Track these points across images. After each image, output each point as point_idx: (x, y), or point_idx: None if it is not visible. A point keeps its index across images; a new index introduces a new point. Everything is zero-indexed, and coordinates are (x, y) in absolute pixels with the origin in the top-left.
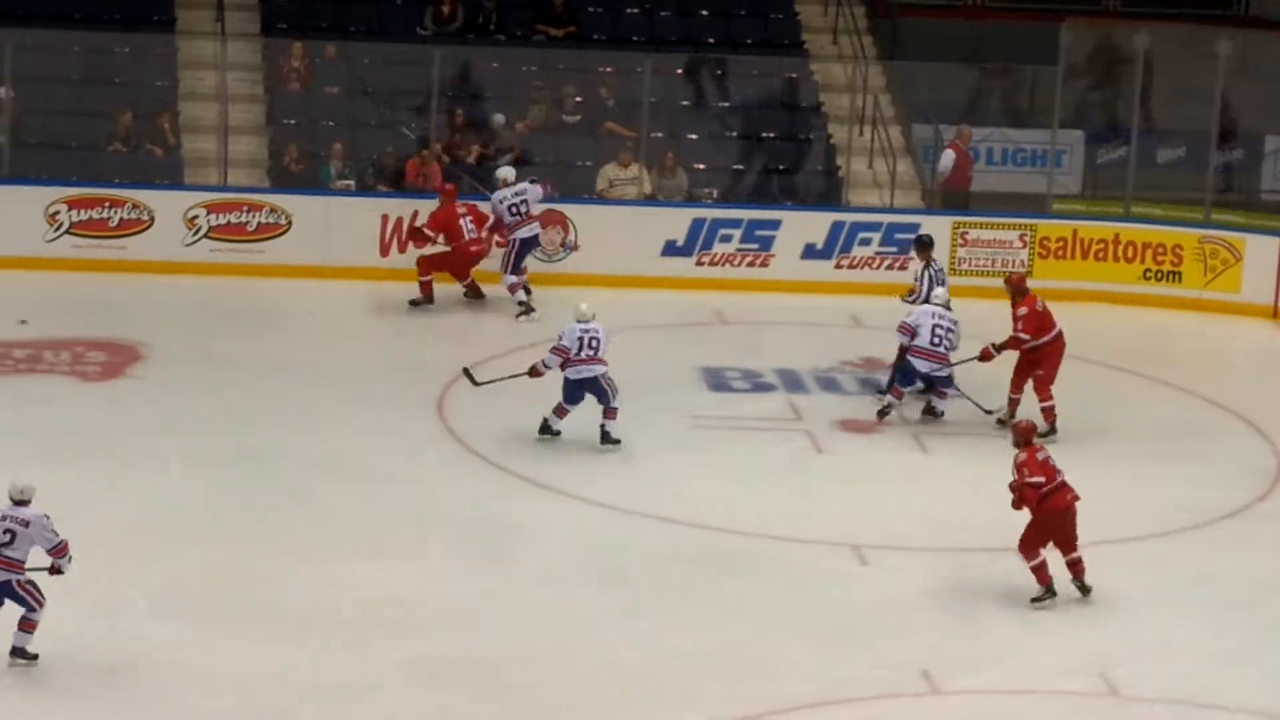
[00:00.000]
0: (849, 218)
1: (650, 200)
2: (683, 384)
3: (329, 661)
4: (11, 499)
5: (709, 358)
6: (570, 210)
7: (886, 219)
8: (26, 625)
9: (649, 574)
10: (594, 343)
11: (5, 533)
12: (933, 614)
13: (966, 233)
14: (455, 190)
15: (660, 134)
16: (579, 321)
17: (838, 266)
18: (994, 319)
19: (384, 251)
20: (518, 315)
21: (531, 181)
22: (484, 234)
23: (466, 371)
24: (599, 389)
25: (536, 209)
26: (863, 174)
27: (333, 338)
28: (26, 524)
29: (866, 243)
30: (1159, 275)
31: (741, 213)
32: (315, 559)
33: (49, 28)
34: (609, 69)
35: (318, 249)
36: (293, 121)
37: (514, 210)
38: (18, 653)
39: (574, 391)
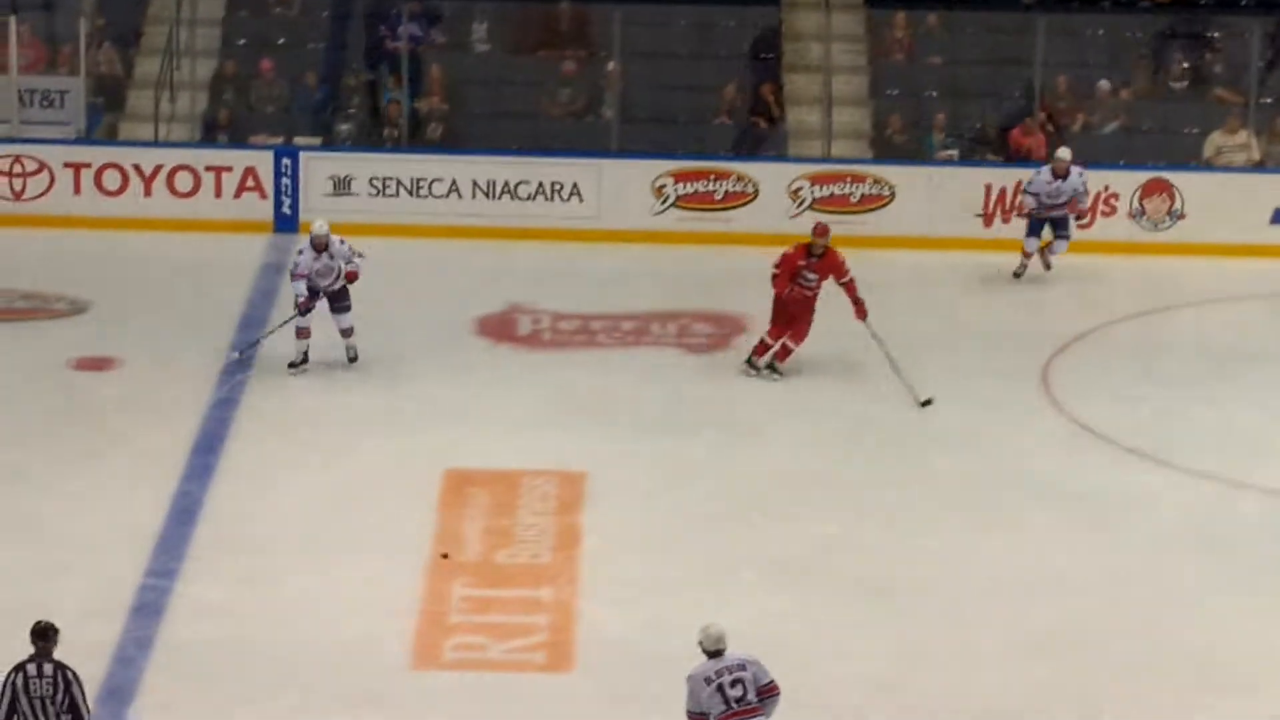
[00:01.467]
0: None
1: (1259, 167)
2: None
3: (938, 632)
4: (708, 652)
5: None
6: (1176, 178)
7: None
8: None
9: (1258, 549)
10: (737, 684)
11: (734, 684)
12: None
13: None
14: None
15: (1270, 100)
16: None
17: None
18: None
19: (987, 222)
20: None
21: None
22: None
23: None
24: None
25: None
26: None
27: (934, 309)
28: (744, 667)
29: None
30: None
31: None
32: (922, 531)
33: (657, 1)
34: (1216, 33)
35: (922, 220)
36: (896, 92)
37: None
38: None
39: None
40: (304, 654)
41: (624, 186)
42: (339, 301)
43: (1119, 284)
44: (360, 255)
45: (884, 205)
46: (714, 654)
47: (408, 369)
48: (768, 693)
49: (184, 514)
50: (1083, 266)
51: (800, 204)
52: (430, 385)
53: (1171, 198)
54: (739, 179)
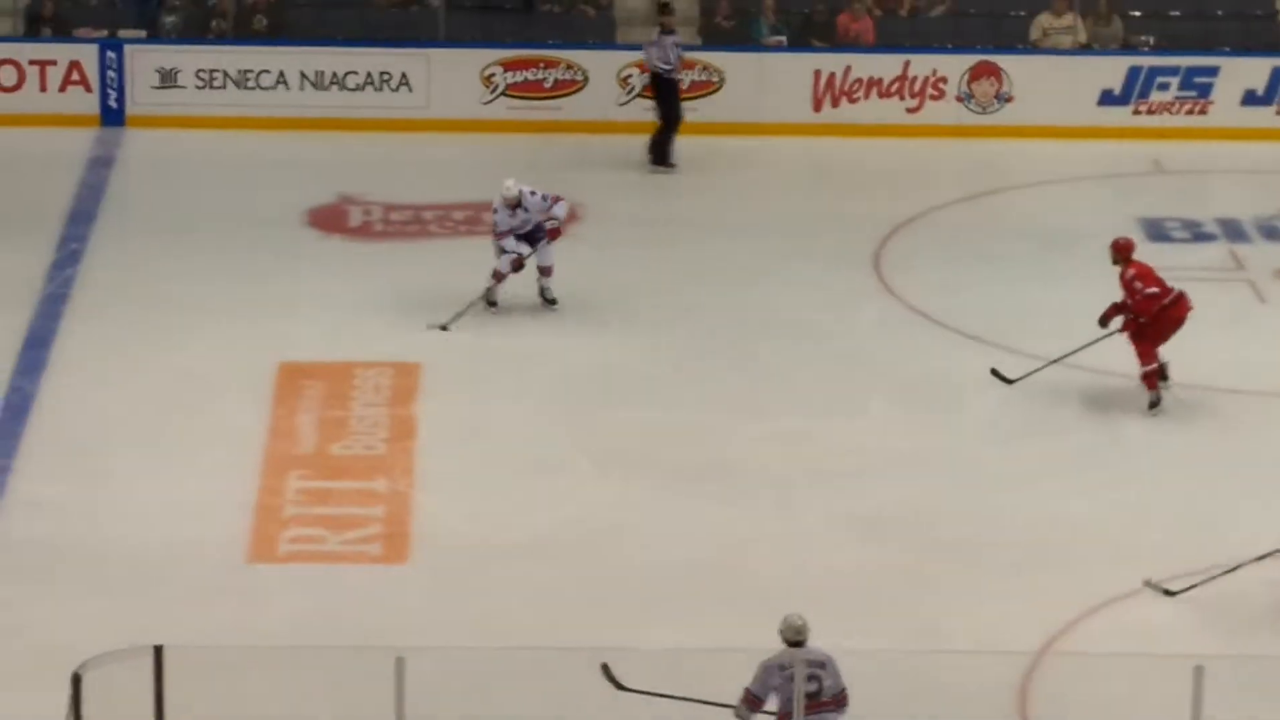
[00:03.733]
0: None
1: (1085, 49)
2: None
3: (771, 516)
4: (788, 641)
5: (1147, 208)
6: (1004, 61)
7: None
8: None
9: (1090, 427)
10: (813, 680)
11: (810, 679)
12: None
13: None
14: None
15: None
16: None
17: (1279, 112)
18: None
19: (816, 107)
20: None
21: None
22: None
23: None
24: None
25: None
26: None
27: (768, 195)
28: (824, 665)
29: None
30: None
31: (1179, 60)
32: (756, 416)
33: None
34: None
35: (750, 106)
36: None
37: None
38: None
39: None
40: (140, 551)
41: (452, 75)
42: (536, 238)
43: (947, 168)
44: (558, 200)
45: (713, 91)
46: (794, 644)
47: (239, 262)
48: (839, 701)
49: (16, 410)
50: (911, 150)
51: (629, 91)
52: (262, 278)
53: (999, 80)
54: (568, 67)
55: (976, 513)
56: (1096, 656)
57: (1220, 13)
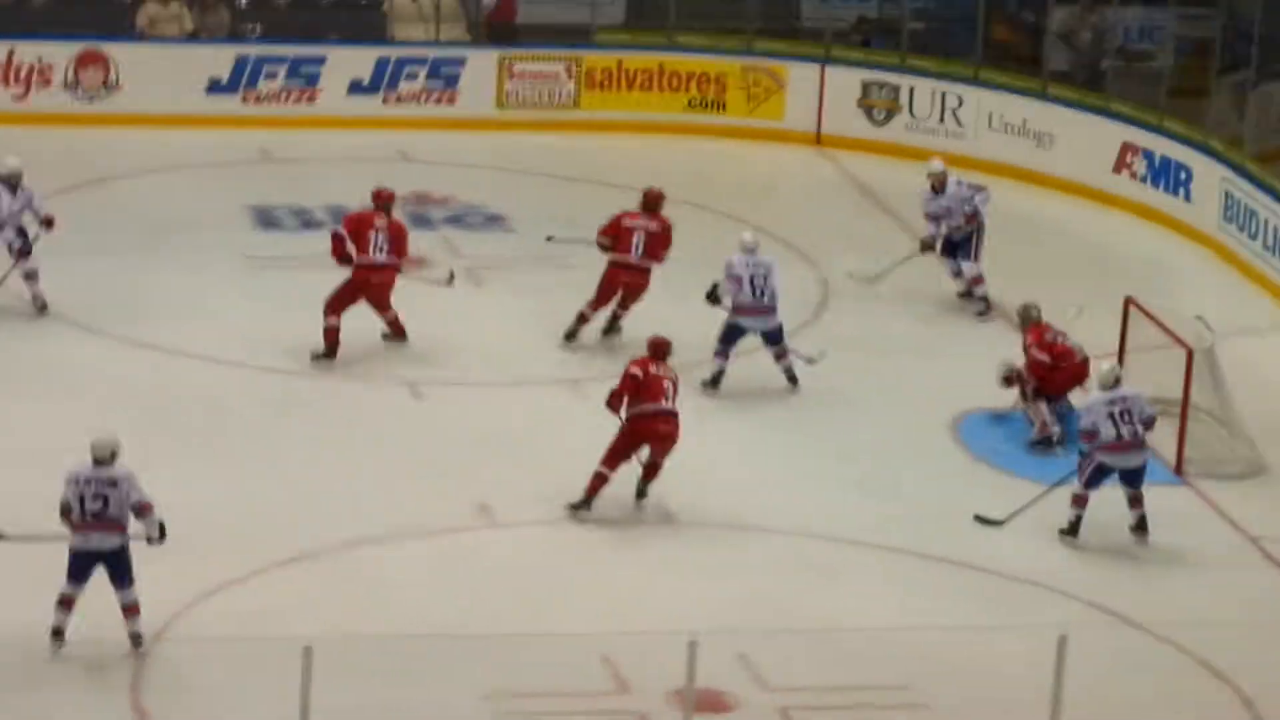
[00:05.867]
0: (394, 52)
1: (193, 38)
2: (232, 223)
3: None
4: (96, 459)
5: (258, 196)
6: (112, 49)
7: (432, 53)
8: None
9: (207, 417)
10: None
11: (95, 499)
12: (489, 446)
13: (513, 65)
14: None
15: None
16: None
17: (384, 101)
18: (541, 152)
19: None
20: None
21: None
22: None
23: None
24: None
25: None
26: (406, 7)
27: None
28: (115, 483)
29: (413, 78)
30: (704, 104)
31: (287, 49)
32: None
33: None
34: None
35: None
36: None
37: None
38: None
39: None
40: None
41: None
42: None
43: (55, 156)
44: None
45: None
46: (97, 462)
47: None
48: (144, 510)
49: None
50: (19, 138)
51: None
52: None
53: (107, 69)
54: None
55: None
56: (207, 641)
57: (326, 3)
